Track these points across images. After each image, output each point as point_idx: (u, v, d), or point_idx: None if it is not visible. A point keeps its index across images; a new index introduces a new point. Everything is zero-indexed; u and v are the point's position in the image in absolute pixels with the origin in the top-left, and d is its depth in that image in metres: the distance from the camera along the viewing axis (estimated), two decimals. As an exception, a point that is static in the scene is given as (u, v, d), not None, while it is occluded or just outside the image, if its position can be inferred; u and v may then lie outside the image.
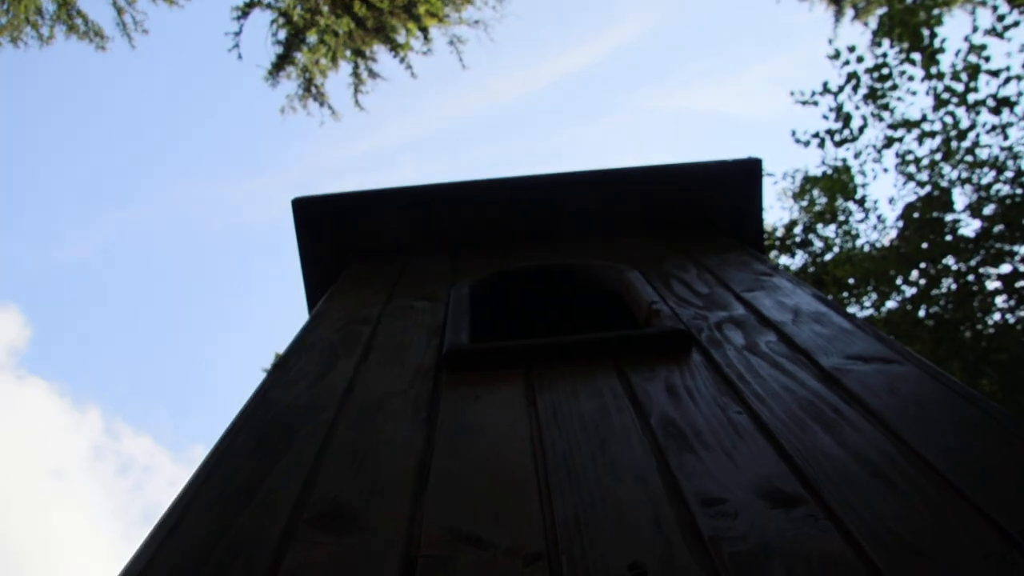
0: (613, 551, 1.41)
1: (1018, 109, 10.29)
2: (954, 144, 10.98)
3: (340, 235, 4.12)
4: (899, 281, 11.18)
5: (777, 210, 14.19)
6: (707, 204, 4.09)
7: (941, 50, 10.65)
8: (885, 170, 12.41)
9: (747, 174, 4.05)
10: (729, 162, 4.07)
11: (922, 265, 10.92)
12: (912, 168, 11.41)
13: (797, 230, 13.28)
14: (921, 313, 11.00)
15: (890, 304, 11.37)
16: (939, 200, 10.90)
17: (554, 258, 3.56)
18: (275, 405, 2.23)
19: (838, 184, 12.54)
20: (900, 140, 11.37)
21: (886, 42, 11.06)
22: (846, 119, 11.62)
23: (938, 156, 11.17)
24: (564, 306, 3.45)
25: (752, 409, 1.93)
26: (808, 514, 1.49)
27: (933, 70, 10.73)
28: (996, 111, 10.45)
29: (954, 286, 10.77)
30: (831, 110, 11.63)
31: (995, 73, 10.29)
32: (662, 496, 1.59)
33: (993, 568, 1.31)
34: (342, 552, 1.50)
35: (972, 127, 10.78)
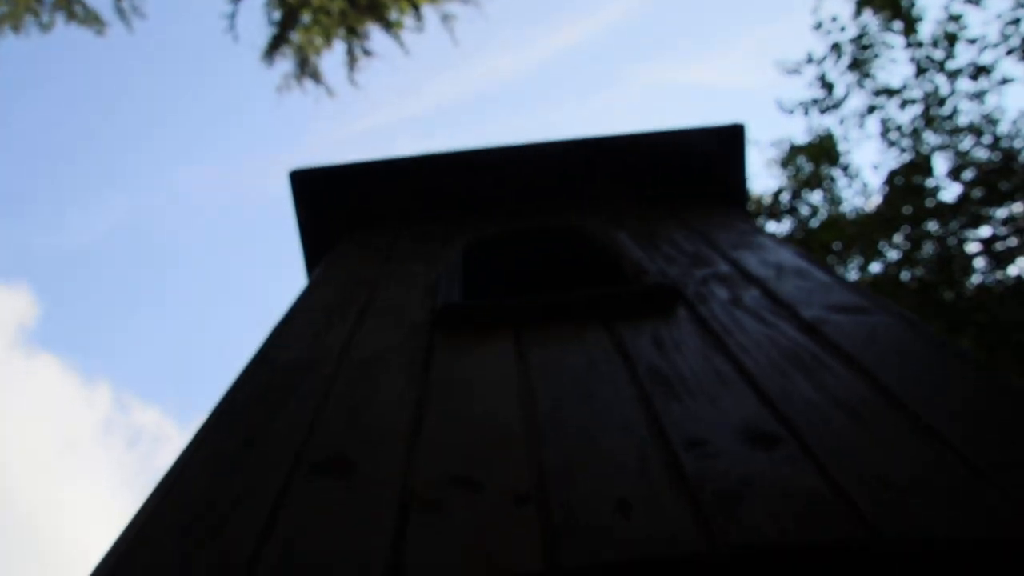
0: (600, 490, 1.48)
1: (995, 76, 10.37)
2: (934, 111, 11.06)
3: (336, 205, 4.16)
4: (883, 245, 11.29)
5: (764, 179, 14.30)
6: (693, 169, 4.14)
7: (920, 19, 10.72)
8: (868, 137, 12.50)
9: (731, 139, 4.10)
10: (714, 128, 4.12)
11: (905, 229, 11.01)
12: (894, 135, 11.49)
13: (784, 197, 13.37)
14: (905, 276, 11.12)
15: (875, 267, 11.48)
16: (920, 166, 10.98)
17: (545, 222, 3.62)
18: (274, 363, 2.29)
19: (822, 151, 12.61)
20: (882, 107, 11.44)
21: (868, 11, 11.12)
22: (830, 87, 11.68)
23: (919, 123, 11.25)
24: (555, 269, 3.51)
25: (735, 358, 2.00)
26: (787, 454, 1.56)
27: (913, 39, 10.79)
28: (974, 78, 10.53)
29: (935, 250, 10.88)
30: (816, 79, 11.70)
31: (973, 41, 10.37)
32: (647, 440, 1.65)
33: (964, 498, 1.38)
34: (340, 496, 1.56)
35: (952, 94, 10.86)
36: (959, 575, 1.26)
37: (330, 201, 4.14)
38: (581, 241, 3.45)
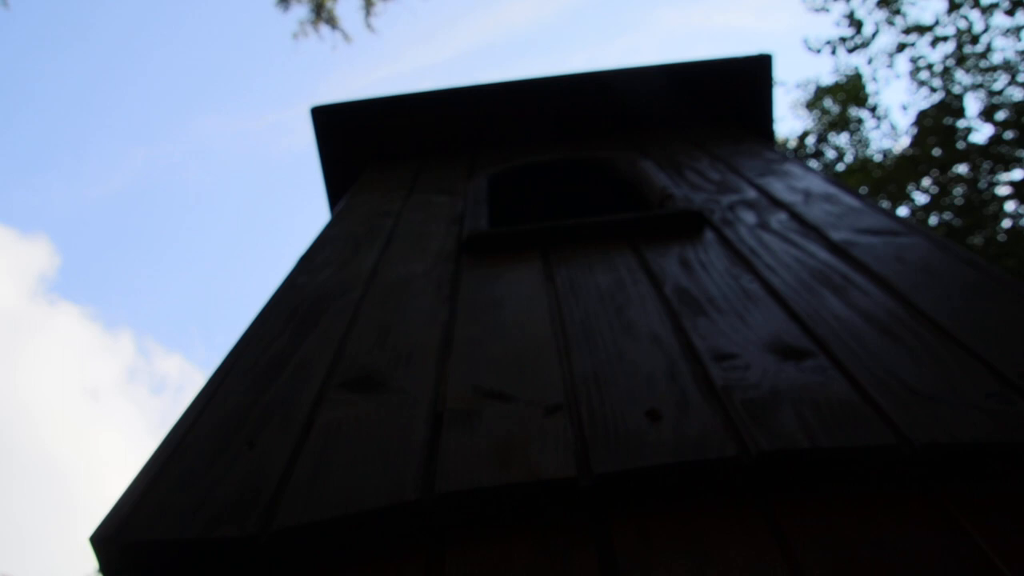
0: (630, 400, 1.49)
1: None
2: (967, 48, 10.84)
3: (358, 141, 4.16)
4: (911, 189, 11.16)
5: (790, 121, 14.11)
6: (719, 100, 4.10)
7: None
8: (897, 77, 12.32)
9: (757, 70, 4.06)
10: (740, 58, 4.07)
11: (934, 173, 10.87)
12: (925, 74, 11.29)
13: (810, 140, 13.23)
14: (933, 221, 11.00)
15: (902, 212, 11.36)
16: (951, 106, 10.79)
17: (569, 154, 3.60)
18: (303, 289, 2.31)
19: (850, 92, 12.45)
20: (912, 45, 11.23)
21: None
22: (858, 26, 11.46)
23: (951, 62, 11.04)
24: (581, 201, 3.50)
25: (763, 278, 1.99)
26: (816, 365, 1.56)
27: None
28: (1011, 12, 10.29)
29: (965, 193, 10.74)
30: (844, 17, 11.48)
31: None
32: (676, 353, 1.66)
33: (993, 405, 1.38)
34: (373, 409, 1.58)
35: (986, 30, 10.63)
36: (988, 481, 1.26)
37: (352, 137, 4.13)
38: (606, 172, 3.43)
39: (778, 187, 2.76)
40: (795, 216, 2.44)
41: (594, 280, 2.09)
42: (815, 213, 2.44)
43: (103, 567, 1.31)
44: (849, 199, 2.55)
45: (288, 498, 1.32)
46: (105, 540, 1.29)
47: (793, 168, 3.01)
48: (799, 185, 2.76)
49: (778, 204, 2.58)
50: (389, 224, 2.88)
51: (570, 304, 1.95)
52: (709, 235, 2.36)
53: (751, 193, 2.74)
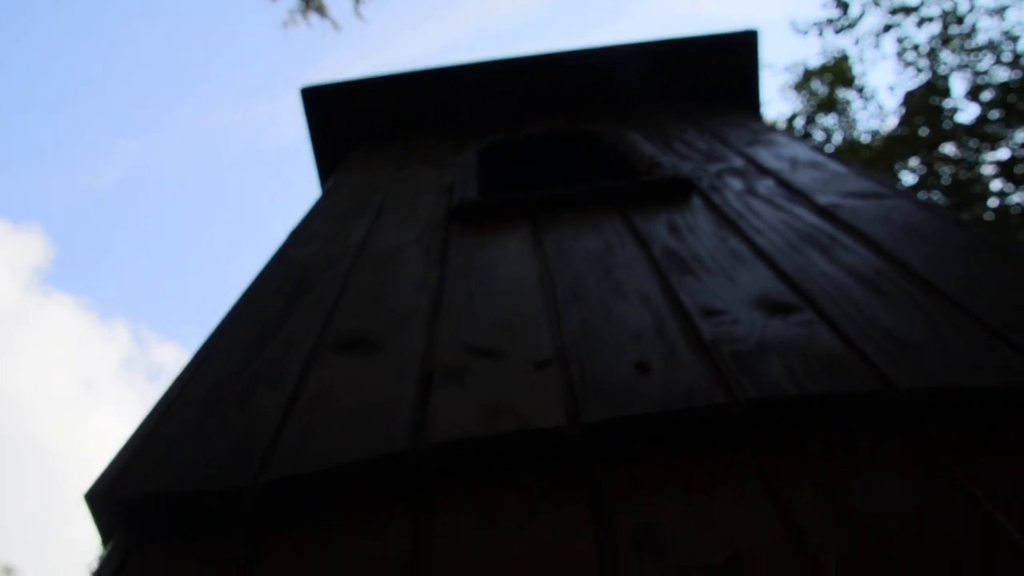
0: (619, 355, 1.50)
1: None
2: (953, 29, 10.86)
3: (347, 120, 4.17)
4: (899, 168, 11.19)
5: (778, 103, 14.14)
6: (707, 76, 4.11)
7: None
8: (884, 58, 12.35)
9: (744, 45, 4.07)
10: (727, 34, 4.08)
11: (921, 153, 10.90)
12: (911, 55, 11.31)
13: (798, 122, 13.25)
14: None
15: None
16: (937, 87, 10.82)
17: (557, 128, 3.61)
18: (293, 261, 2.31)
19: (837, 73, 12.47)
20: (899, 26, 11.24)
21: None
22: (844, 7, 11.47)
23: (937, 42, 11.06)
24: (569, 173, 3.51)
25: (750, 239, 2.01)
26: (803, 319, 1.57)
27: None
28: (995, -8, 10.33)
29: (952, 172, 10.78)
30: (830, -2, 11.48)
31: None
32: (664, 310, 1.67)
33: (978, 353, 1.40)
34: (363, 369, 1.59)
35: (971, 10, 10.65)
36: (974, 426, 1.27)
37: (342, 117, 4.14)
38: (595, 145, 3.44)
39: (765, 155, 2.77)
40: (782, 182, 2.45)
41: (582, 244, 2.10)
42: (802, 179, 2.45)
43: (98, 523, 1.31)
44: (835, 166, 2.57)
45: (280, 452, 1.32)
46: (99, 496, 1.29)
47: (779, 138, 3.02)
48: (786, 153, 2.77)
49: (765, 171, 2.60)
50: (378, 198, 2.89)
51: (558, 267, 1.96)
52: (697, 201, 2.37)
53: (738, 161, 2.76)
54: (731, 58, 4.09)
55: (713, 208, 2.28)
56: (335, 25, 12.39)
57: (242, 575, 1.14)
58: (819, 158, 2.68)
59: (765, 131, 3.19)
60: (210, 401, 1.54)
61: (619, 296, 1.76)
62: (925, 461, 1.20)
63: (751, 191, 2.40)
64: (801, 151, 2.80)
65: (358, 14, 12.46)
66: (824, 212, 2.15)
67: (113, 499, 1.29)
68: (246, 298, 2.08)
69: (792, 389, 1.33)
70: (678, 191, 2.43)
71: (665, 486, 1.20)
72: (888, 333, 1.48)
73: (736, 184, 2.49)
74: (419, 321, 1.77)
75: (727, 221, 2.16)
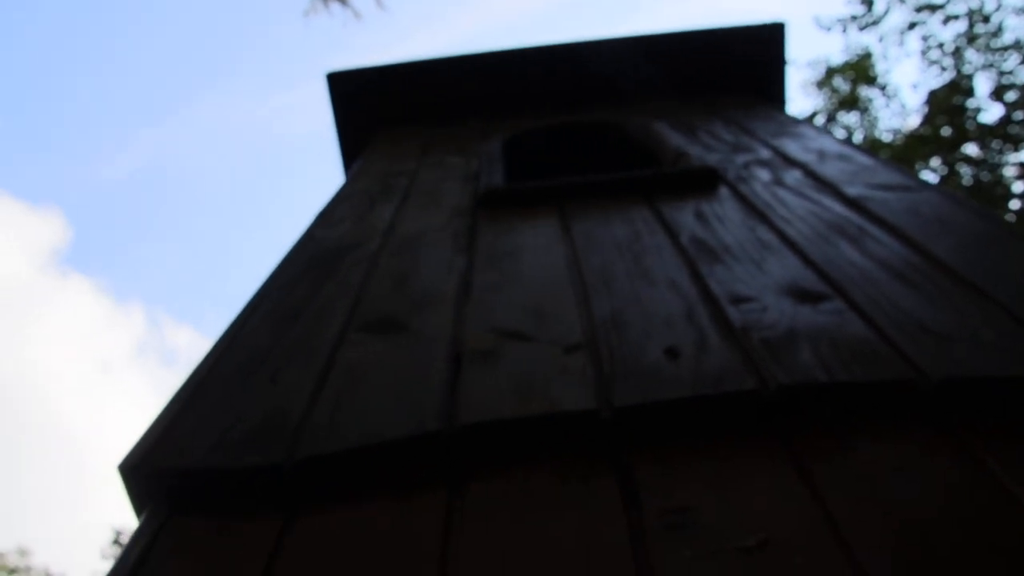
0: (649, 340, 1.50)
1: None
2: (979, 28, 10.77)
3: (373, 106, 4.17)
4: (920, 168, 11.12)
5: (800, 99, 14.04)
6: (732, 68, 4.10)
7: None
8: (908, 55, 12.27)
9: (771, 38, 4.05)
10: (754, 26, 4.06)
11: (943, 153, 10.83)
12: (935, 53, 11.23)
13: (819, 119, 13.19)
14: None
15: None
16: (961, 86, 10.74)
17: (583, 119, 3.61)
18: (321, 242, 2.32)
19: (860, 70, 12.40)
20: (924, 24, 11.17)
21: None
22: (869, 3, 11.40)
23: (962, 41, 10.98)
24: (594, 165, 3.51)
25: (778, 229, 2.00)
26: (833, 308, 1.57)
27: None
28: (1023, -9, 10.23)
29: (974, 173, 10.70)
30: (855, -7, 11.41)
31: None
32: (694, 297, 1.67)
33: (1009, 344, 1.39)
34: (393, 350, 1.60)
35: (997, 9, 10.56)
36: (1006, 415, 1.27)
37: (367, 103, 4.15)
38: (620, 135, 3.44)
39: (792, 147, 2.77)
40: (809, 173, 2.45)
41: (611, 232, 2.10)
42: (829, 171, 2.44)
43: (131, 495, 1.33)
44: (863, 158, 2.56)
45: (311, 429, 1.33)
46: (132, 468, 1.31)
47: (807, 130, 3.01)
48: (813, 145, 2.77)
49: (792, 163, 2.59)
50: (404, 182, 2.89)
51: (587, 253, 1.97)
52: (724, 191, 2.37)
53: (765, 153, 2.75)
54: (758, 51, 4.07)
55: (741, 198, 2.28)
56: (356, 14, 12.39)
57: (275, 549, 1.15)
58: (847, 150, 2.67)
59: (792, 123, 3.18)
60: (242, 377, 1.56)
61: (648, 283, 1.76)
62: (957, 448, 1.20)
63: (779, 182, 2.39)
64: (828, 143, 2.79)
65: (380, 3, 12.46)
66: (852, 203, 2.14)
67: (146, 472, 1.30)
68: (275, 277, 2.09)
69: (823, 376, 1.33)
70: (705, 181, 2.43)
71: (696, 471, 1.20)
72: (918, 322, 1.48)
73: (763, 175, 2.48)
74: (448, 304, 1.78)
75: (755, 211, 2.16)
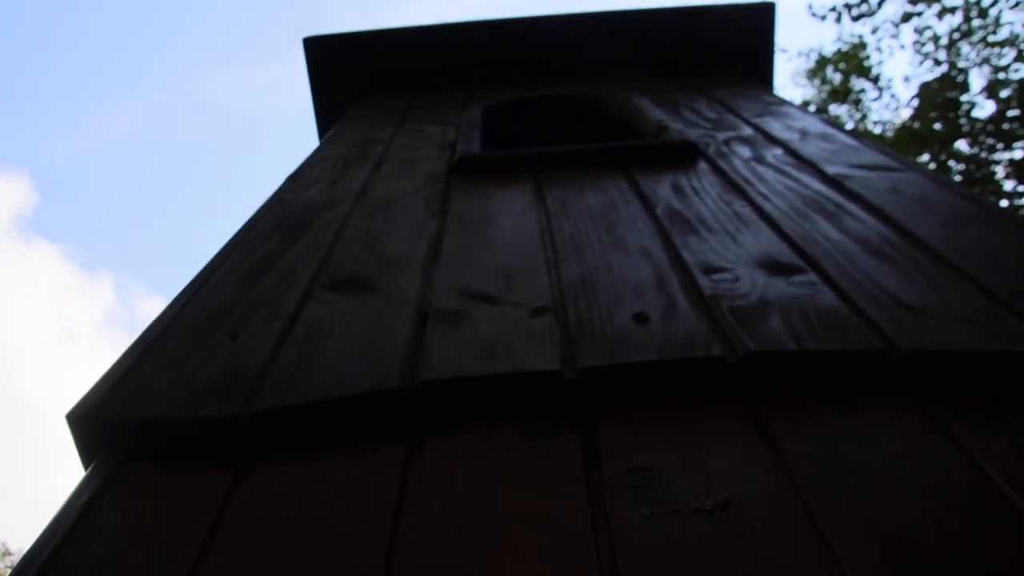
0: (617, 305, 1.48)
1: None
2: (975, 21, 10.75)
3: (352, 74, 4.11)
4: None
5: (791, 89, 14.01)
6: (720, 46, 4.06)
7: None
8: (902, 47, 12.27)
9: (760, 17, 4.02)
10: (742, 5, 4.03)
11: (934, 149, 10.83)
12: (930, 46, 11.22)
13: (810, 109, 13.12)
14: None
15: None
16: (955, 80, 10.73)
17: (564, 91, 3.58)
18: (291, 203, 2.29)
19: (853, 61, 12.38)
20: (919, 15, 11.14)
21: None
22: (865, -8, 11.36)
23: (957, 35, 10.96)
24: (575, 138, 3.48)
25: (756, 203, 1.98)
26: (806, 280, 1.55)
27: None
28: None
29: (964, 170, 10.71)
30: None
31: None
32: (666, 265, 1.65)
33: (982, 319, 1.38)
34: (358, 308, 1.57)
35: (994, 3, 10.54)
36: (976, 390, 1.26)
37: (345, 70, 4.08)
38: (601, 108, 3.41)
39: (775, 126, 2.74)
40: (791, 152, 2.43)
41: (585, 201, 2.07)
42: (811, 149, 2.43)
43: (80, 444, 1.30)
44: (846, 139, 2.54)
45: (270, 383, 1.30)
46: (83, 417, 1.28)
47: (791, 111, 2.99)
48: (796, 125, 2.75)
49: (774, 141, 2.57)
50: (380, 149, 2.86)
51: (560, 221, 1.94)
52: (703, 165, 2.35)
53: (747, 130, 2.73)
54: (747, 30, 4.04)
55: (719, 173, 2.26)
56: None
57: (224, 501, 1.12)
58: (830, 130, 2.66)
59: (777, 103, 3.16)
60: (202, 330, 1.53)
61: (620, 251, 1.74)
62: (926, 419, 1.18)
63: (759, 159, 2.37)
64: (812, 123, 2.77)
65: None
66: (832, 181, 2.12)
67: (97, 420, 1.27)
68: (241, 235, 2.05)
69: (792, 345, 1.31)
70: (684, 154, 2.41)
71: (660, 434, 1.18)
72: (892, 296, 1.46)
73: (744, 151, 2.46)
74: (416, 265, 1.75)
75: (733, 185, 2.14)
